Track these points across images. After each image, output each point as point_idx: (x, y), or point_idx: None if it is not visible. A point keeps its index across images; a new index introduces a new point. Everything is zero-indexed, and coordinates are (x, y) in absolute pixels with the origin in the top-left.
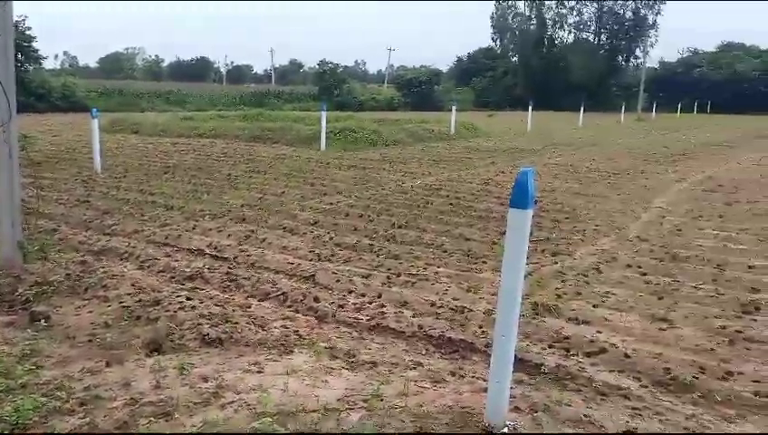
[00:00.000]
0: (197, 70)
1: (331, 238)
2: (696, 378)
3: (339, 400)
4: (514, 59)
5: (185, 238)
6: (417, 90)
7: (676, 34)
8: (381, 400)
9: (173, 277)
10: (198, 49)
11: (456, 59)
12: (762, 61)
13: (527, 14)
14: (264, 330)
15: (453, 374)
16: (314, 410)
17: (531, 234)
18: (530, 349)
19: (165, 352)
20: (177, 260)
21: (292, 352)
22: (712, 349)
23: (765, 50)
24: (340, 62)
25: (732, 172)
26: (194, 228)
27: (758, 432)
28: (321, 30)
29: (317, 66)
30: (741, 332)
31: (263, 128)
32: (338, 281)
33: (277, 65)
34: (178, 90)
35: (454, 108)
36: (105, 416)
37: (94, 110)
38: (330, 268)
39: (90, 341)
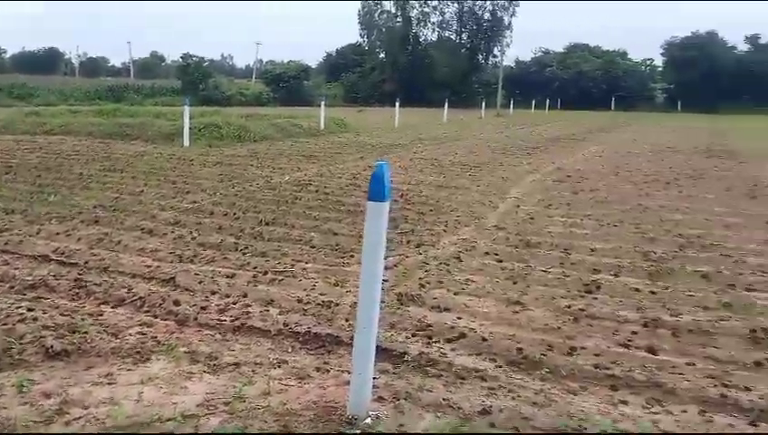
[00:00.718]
0: (46, 61)
1: (193, 238)
2: (545, 355)
3: (198, 405)
4: (382, 55)
5: (27, 244)
6: (287, 85)
7: (530, 35)
8: (244, 401)
9: (12, 287)
10: (47, 38)
11: (324, 54)
12: (603, 61)
13: (393, 11)
14: (117, 338)
15: (318, 370)
16: (170, 419)
17: (397, 226)
18: (395, 338)
19: (1, 369)
20: (17, 268)
21: (148, 359)
22: (559, 327)
23: (606, 51)
24: (205, 56)
25: (578, 163)
26: (38, 233)
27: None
28: (184, 22)
29: (180, 60)
30: (584, 310)
31: (120, 124)
32: (200, 282)
33: (136, 58)
34: (24, 83)
35: (323, 103)
36: None
37: None
38: (192, 269)
39: None
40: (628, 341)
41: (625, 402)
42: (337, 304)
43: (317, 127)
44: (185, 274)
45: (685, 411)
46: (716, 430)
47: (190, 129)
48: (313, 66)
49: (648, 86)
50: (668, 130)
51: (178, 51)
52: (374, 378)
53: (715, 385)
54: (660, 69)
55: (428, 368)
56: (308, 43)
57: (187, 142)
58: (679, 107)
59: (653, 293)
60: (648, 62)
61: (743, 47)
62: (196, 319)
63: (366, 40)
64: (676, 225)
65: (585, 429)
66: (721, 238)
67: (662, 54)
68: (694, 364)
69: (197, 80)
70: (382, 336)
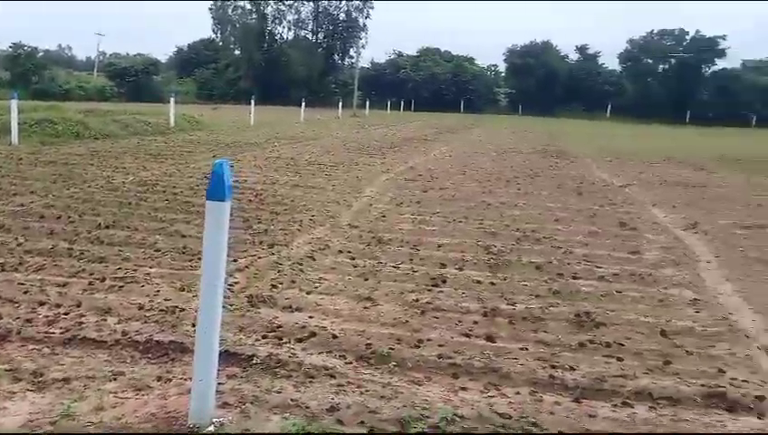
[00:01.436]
0: None
1: (19, 244)
2: (393, 349)
3: (20, 426)
4: (237, 52)
5: None
6: (133, 80)
7: (385, 37)
8: (73, 419)
9: None
10: None
11: (175, 49)
12: (453, 65)
13: (247, 7)
14: None
15: (159, 379)
16: None
17: (250, 227)
18: (244, 342)
19: None
20: None
21: None
22: (406, 321)
23: (456, 55)
24: (39, 46)
25: (429, 163)
26: None
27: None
28: (15, 8)
29: (9, 49)
30: (430, 303)
31: None
32: (26, 292)
33: None
34: None
35: (173, 99)
36: None
37: None
38: (16, 279)
39: None
40: (470, 330)
41: (465, 389)
42: (182, 310)
43: (167, 124)
44: (7, 284)
45: (518, 393)
46: (545, 408)
47: (20, 124)
48: (163, 61)
49: (493, 90)
50: (510, 132)
51: (7, 39)
52: (220, 383)
53: (545, 367)
54: (503, 75)
55: (278, 369)
56: (156, 37)
57: (15, 140)
58: (520, 111)
59: (493, 284)
60: (493, 68)
61: (574, 56)
62: (19, 333)
63: (219, 35)
64: (514, 220)
65: (428, 417)
66: (552, 232)
67: (504, 61)
68: (526, 349)
69: (29, 71)
70: (231, 340)
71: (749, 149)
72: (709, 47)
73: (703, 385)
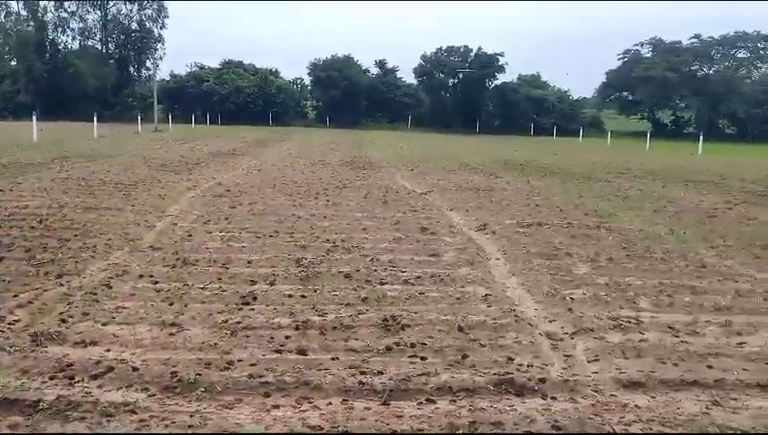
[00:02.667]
0: None
1: None
2: (200, 374)
3: None
4: (13, 63)
5: None
6: None
7: (186, 49)
8: None
9: None
10: None
11: None
12: (258, 78)
13: (23, 14)
14: None
15: None
16: None
17: (33, 257)
18: (27, 386)
19: None
20: None
21: None
22: (215, 343)
23: (260, 69)
24: None
25: (237, 178)
26: None
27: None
28: None
29: None
30: (241, 322)
31: None
32: None
33: None
34: None
35: None
36: None
37: None
38: None
39: None
40: (282, 346)
41: (277, 406)
42: None
43: None
44: None
45: (330, 404)
46: (356, 415)
47: None
48: None
49: (301, 103)
50: (320, 144)
51: None
52: None
53: (354, 374)
54: (310, 88)
55: (69, 412)
56: None
57: None
58: (328, 122)
59: (304, 296)
60: (299, 81)
61: (374, 70)
62: None
63: None
64: (324, 231)
65: None
66: (360, 240)
67: (309, 75)
68: (337, 358)
69: None
70: (12, 386)
71: (529, 155)
72: (490, 63)
73: (495, 374)
